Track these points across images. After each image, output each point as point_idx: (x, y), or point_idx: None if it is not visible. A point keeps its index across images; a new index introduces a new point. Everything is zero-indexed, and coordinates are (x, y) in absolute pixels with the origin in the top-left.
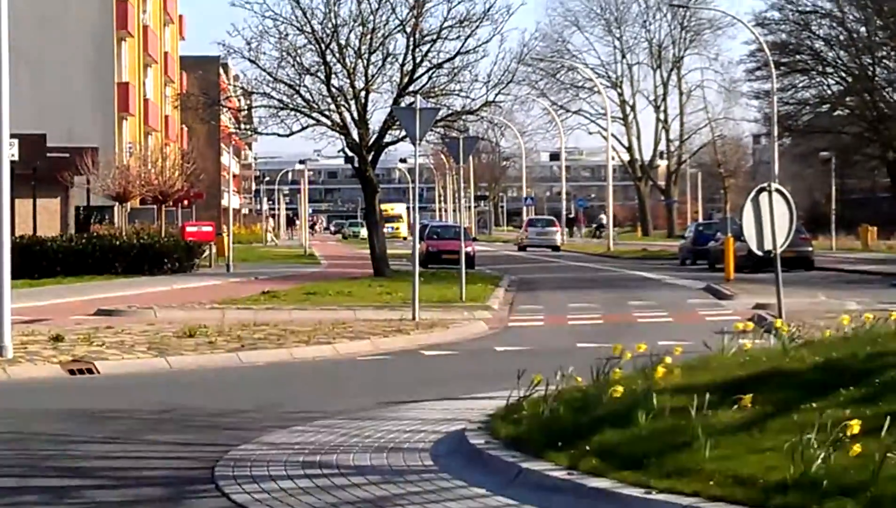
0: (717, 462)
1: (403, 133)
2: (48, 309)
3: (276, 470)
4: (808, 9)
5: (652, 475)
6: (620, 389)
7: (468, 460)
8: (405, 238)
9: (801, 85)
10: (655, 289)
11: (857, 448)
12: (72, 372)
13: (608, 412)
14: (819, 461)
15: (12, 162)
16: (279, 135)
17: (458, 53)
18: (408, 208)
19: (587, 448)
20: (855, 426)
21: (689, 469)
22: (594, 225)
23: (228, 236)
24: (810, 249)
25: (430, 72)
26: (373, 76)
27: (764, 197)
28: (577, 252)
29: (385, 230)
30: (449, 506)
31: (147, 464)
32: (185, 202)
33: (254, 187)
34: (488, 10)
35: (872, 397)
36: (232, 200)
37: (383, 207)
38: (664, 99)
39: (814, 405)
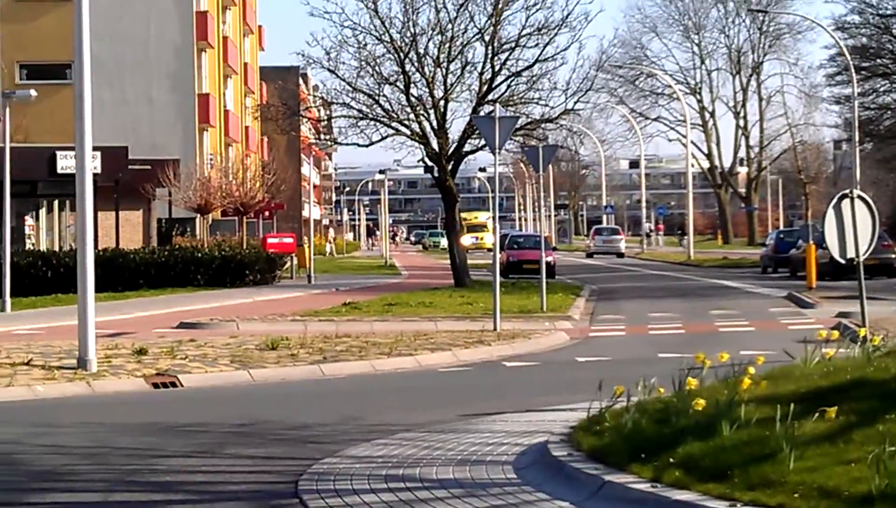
0: (802, 474)
1: (483, 142)
2: (131, 322)
3: (360, 484)
4: (888, 12)
5: (736, 487)
6: (702, 402)
7: (551, 472)
8: (489, 249)
9: (882, 89)
10: (737, 298)
11: None
12: (155, 386)
13: (691, 423)
14: None
15: (95, 175)
16: (359, 145)
17: (536, 61)
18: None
19: (671, 459)
20: None
21: (773, 480)
22: (645, 233)
23: (309, 247)
24: (893, 256)
25: (509, 80)
26: (452, 85)
27: (846, 204)
28: (656, 261)
29: (467, 241)
30: None
31: (231, 478)
32: (266, 214)
33: (334, 198)
34: (566, 17)
35: None
36: (312, 210)
37: (465, 215)
38: (744, 105)
39: None
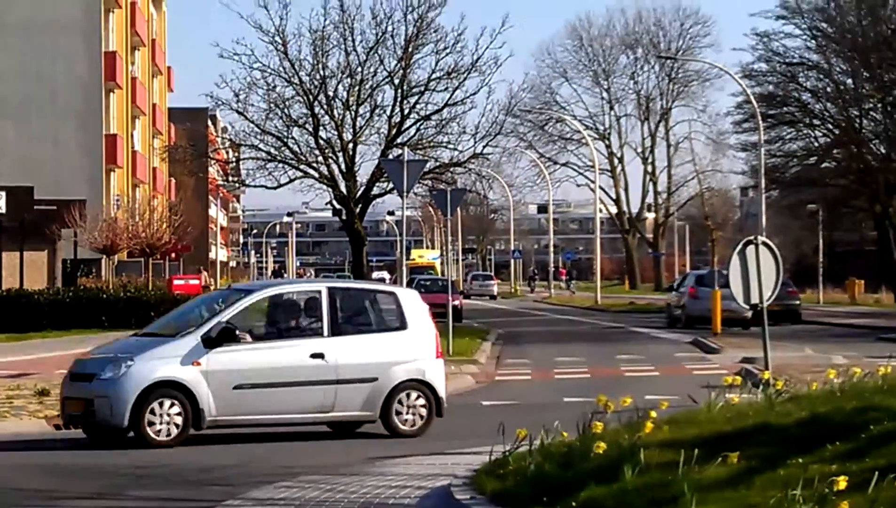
0: None
1: (391, 185)
2: (34, 363)
3: None
4: (794, 61)
5: None
6: (603, 445)
7: None
8: None
9: (788, 137)
10: (643, 342)
11: (844, 505)
12: (58, 427)
13: (594, 466)
14: None
15: (0, 215)
16: (267, 187)
17: (445, 105)
18: (437, 258)
19: (573, 503)
20: (841, 481)
21: None
22: (528, 277)
23: (216, 288)
24: (797, 302)
25: (418, 124)
26: (361, 128)
27: (751, 250)
28: (564, 306)
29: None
30: None
31: None
32: (173, 255)
33: (241, 240)
34: (476, 61)
35: (858, 452)
36: (219, 252)
37: (411, 254)
38: (652, 151)
39: (800, 460)
